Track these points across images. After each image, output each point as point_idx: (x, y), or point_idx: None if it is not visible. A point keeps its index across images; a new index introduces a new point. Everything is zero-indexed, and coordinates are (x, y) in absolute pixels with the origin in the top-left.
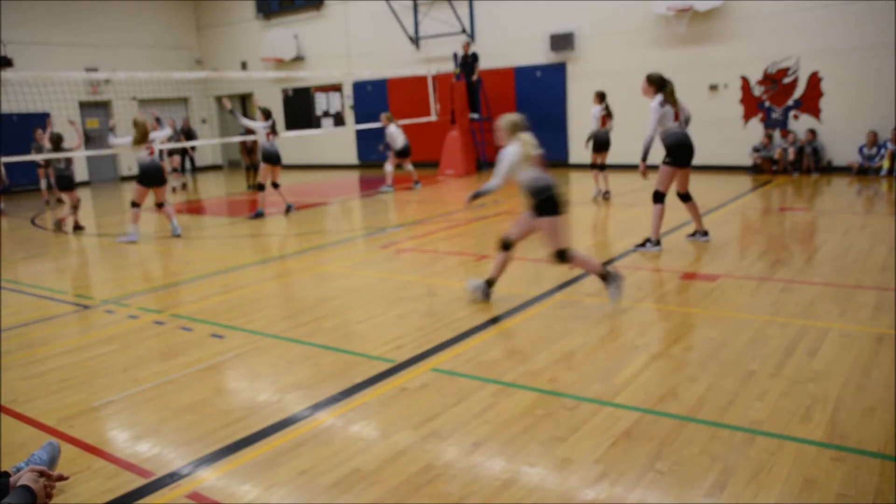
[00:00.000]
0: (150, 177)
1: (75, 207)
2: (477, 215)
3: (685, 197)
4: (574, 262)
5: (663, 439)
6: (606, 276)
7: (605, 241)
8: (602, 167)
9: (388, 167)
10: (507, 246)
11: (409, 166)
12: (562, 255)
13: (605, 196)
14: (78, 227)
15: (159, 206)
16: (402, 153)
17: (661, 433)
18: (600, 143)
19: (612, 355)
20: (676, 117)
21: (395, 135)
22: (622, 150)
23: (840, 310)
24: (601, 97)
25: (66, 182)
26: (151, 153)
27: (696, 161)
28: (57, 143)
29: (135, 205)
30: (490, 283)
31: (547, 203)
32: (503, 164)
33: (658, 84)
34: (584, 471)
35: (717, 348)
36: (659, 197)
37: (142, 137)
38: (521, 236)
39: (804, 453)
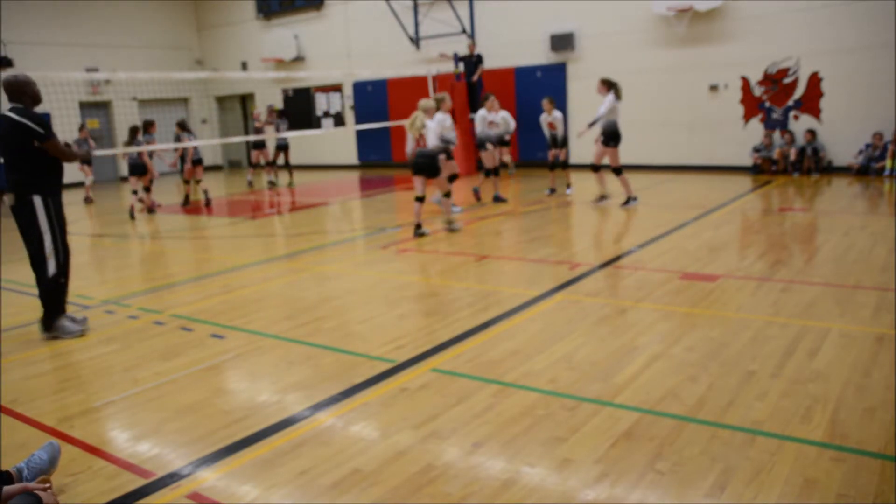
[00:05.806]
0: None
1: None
2: (477, 216)
3: (597, 168)
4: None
5: (663, 439)
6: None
7: (609, 238)
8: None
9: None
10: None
11: (506, 157)
12: (617, 171)
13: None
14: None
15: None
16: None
17: (662, 433)
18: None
19: (612, 355)
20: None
21: (507, 119)
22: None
23: (840, 310)
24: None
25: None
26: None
27: (696, 161)
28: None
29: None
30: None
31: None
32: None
33: (609, 85)
34: (584, 471)
35: (717, 348)
36: (619, 171)
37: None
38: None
39: (804, 454)
